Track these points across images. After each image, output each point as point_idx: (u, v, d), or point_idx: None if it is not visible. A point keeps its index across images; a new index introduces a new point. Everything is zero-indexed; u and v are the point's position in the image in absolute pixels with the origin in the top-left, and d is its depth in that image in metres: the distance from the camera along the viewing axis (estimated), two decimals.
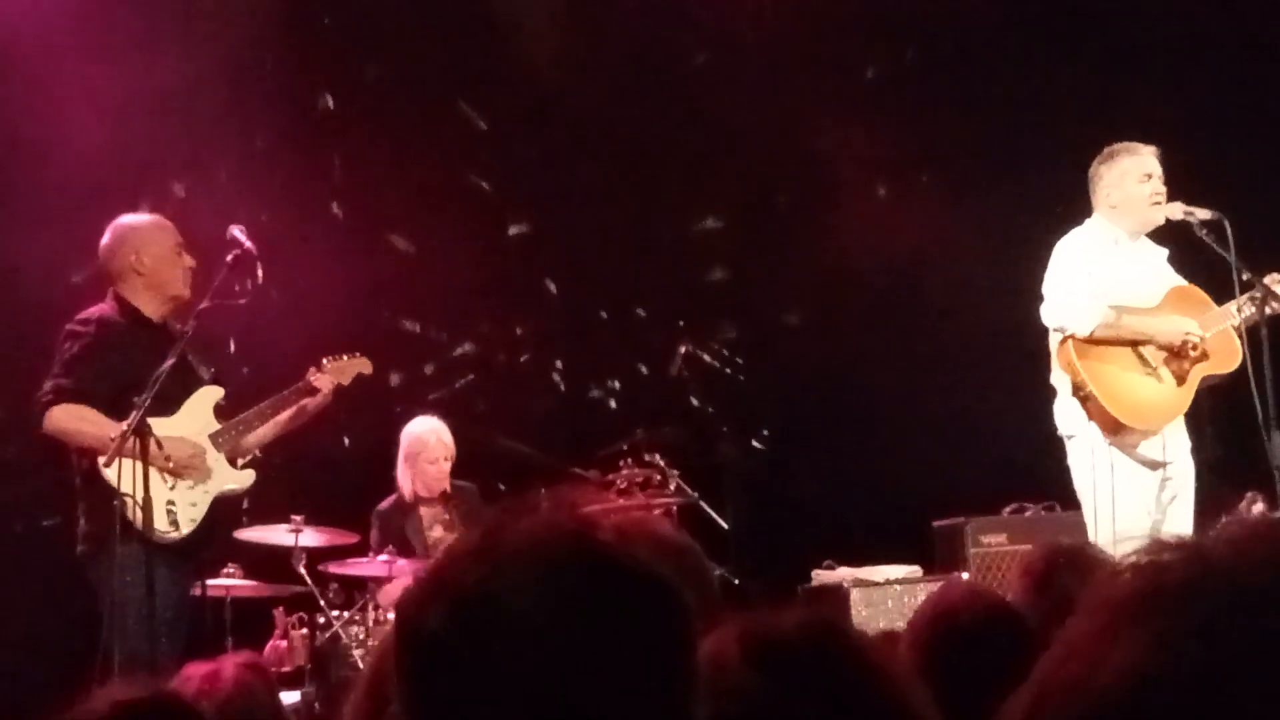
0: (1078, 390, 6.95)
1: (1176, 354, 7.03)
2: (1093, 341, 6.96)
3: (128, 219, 6.94)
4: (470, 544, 1.63)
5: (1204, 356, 7.03)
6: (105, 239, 6.82)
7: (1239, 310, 6.99)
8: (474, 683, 1.54)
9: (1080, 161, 7.34)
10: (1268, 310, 6.92)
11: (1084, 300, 6.94)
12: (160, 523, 6.28)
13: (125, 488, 6.15)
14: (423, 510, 8.44)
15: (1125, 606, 0.98)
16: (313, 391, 7.00)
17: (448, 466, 8.42)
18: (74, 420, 6.47)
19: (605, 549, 1.60)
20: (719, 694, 1.79)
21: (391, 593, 8.01)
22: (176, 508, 6.49)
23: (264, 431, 6.98)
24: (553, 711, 1.53)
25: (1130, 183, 7.11)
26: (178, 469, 6.51)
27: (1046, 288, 7.11)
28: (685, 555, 1.69)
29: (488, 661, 1.54)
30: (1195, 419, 7.12)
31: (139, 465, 6.15)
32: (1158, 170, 7.13)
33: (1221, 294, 7.12)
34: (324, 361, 7.14)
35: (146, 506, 6.16)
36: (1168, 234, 7.24)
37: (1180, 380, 7.04)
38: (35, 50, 8.67)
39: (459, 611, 1.56)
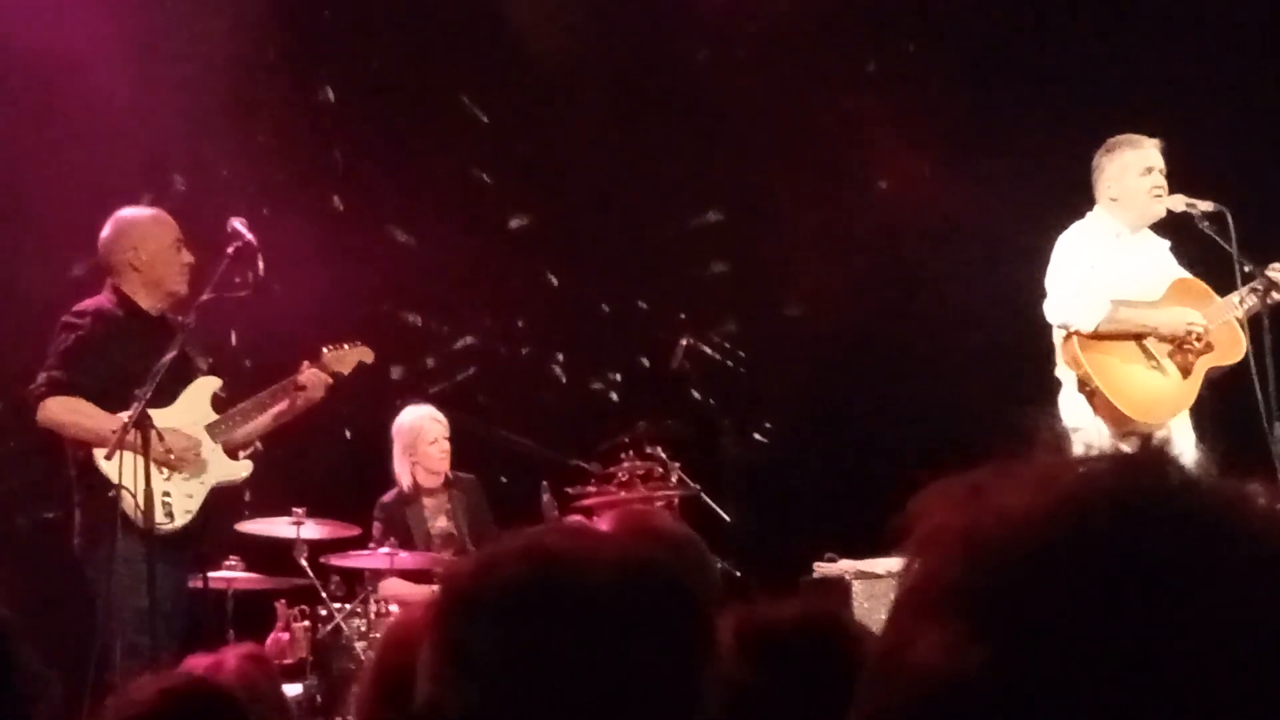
0: (1083, 385, 6.96)
1: (1180, 346, 7.03)
2: (1097, 336, 6.95)
3: (128, 212, 6.94)
4: (519, 544, 1.70)
5: (1208, 348, 7.02)
6: (105, 232, 6.82)
7: (1241, 301, 6.99)
8: (515, 661, 1.62)
9: (1084, 153, 7.33)
10: (1270, 301, 6.92)
11: (1087, 296, 6.94)
12: (155, 514, 6.28)
13: (120, 479, 6.16)
14: (425, 500, 8.43)
15: (931, 592, 0.96)
16: (303, 386, 6.99)
17: (448, 446, 8.41)
18: (68, 413, 6.47)
19: (639, 555, 1.70)
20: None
21: (391, 585, 8.02)
22: (172, 499, 6.49)
23: (261, 422, 6.98)
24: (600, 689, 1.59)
25: (1131, 176, 7.10)
26: (174, 461, 6.52)
27: (1049, 283, 7.10)
28: (688, 548, 1.70)
29: (530, 645, 1.62)
30: (1197, 412, 7.12)
31: (138, 458, 6.16)
32: (1159, 163, 7.12)
33: (1223, 285, 7.12)
34: (324, 350, 7.14)
35: (147, 498, 6.16)
36: (1169, 225, 7.23)
37: (1185, 373, 7.04)
38: (37, 45, 8.66)
39: (507, 602, 1.64)
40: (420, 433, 8.41)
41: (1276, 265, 7.03)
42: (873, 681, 0.96)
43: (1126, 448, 0.97)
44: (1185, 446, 6.99)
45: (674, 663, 1.62)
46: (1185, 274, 7.26)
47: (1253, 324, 6.94)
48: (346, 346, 7.23)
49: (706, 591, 1.71)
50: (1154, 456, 0.98)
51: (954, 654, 0.91)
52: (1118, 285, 7.05)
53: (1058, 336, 7.11)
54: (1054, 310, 7.03)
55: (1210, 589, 0.89)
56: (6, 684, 1.74)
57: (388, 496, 8.44)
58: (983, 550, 0.93)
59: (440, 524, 8.39)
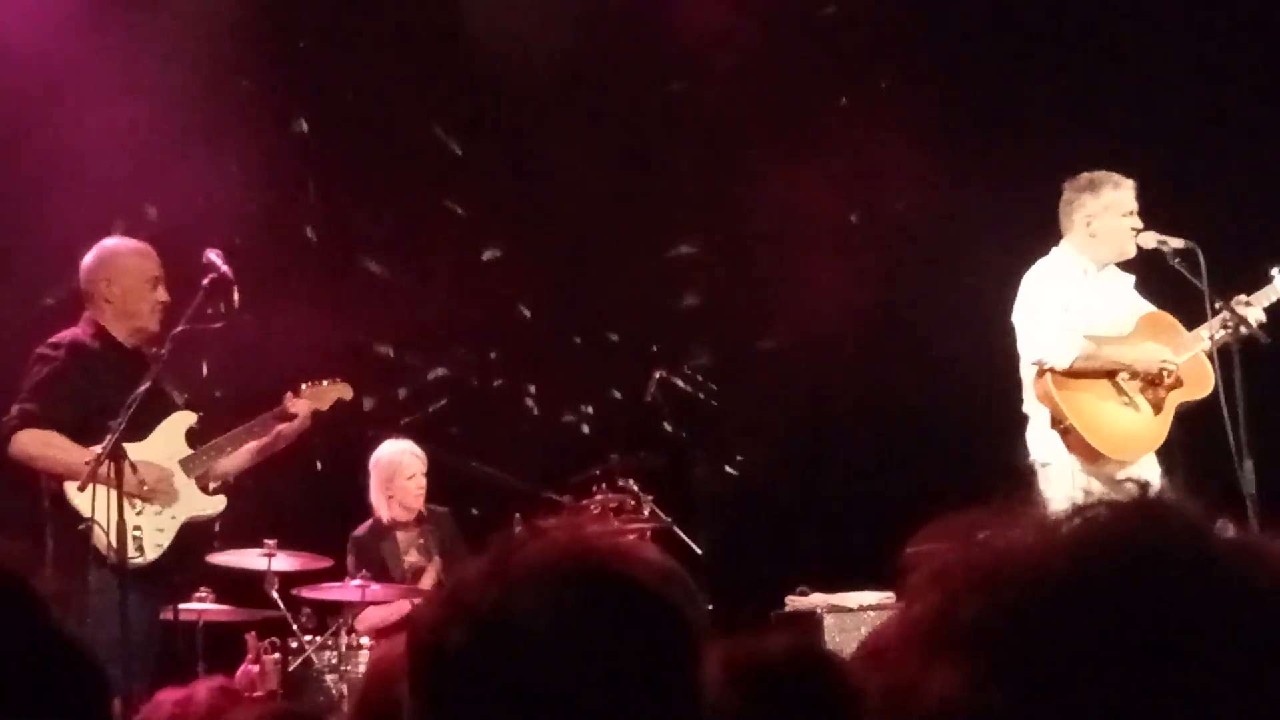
0: (1057, 423, 6.98)
1: (1152, 382, 7.07)
2: (1071, 374, 6.98)
3: (111, 243, 6.91)
4: (483, 567, 1.65)
5: (1178, 383, 7.06)
6: (86, 260, 6.79)
7: (1211, 336, 7.03)
8: (492, 700, 1.57)
9: (1054, 188, 7.37)
10: (1240, 333, 6.95)
11: (1062, 333, 6.97)
12: (127, 548, 6.24)
13: (91, 512, 6.13)
14: (398, 534, 8.42)
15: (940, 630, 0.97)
16: (289, 417, 6.96)
17: (424, 482, 8.42)
18: (39, 446, 6.44)
19: (614, 570, 1.63)
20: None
21: (369, 618, 7.99)
22: (143, 533, 6.45)
23: (239, 458, 6.94)
24: None
25: (1114, 215, 7.13)
26: (146, 492, 6.49)
27: (1018, 319, 7.13)
28: (673, 579, 1.70)
29: (505, 680, 1.57)
30: (1166, 446, 7.15)
31: (111, 491, 6.13)
32: (1135, 205, 7.17)
33: (1191, 319, 7.16)
34: (302, 387, 7.11)
35: (120, 532, 6.13)
36: (1135, 260, 7.28)
37: (1157, 409, 7.08)
38: (9, 73, 8.65)
39: (477, 632, 1.59)
40: (399, 468, 8.41)
41: (1241, 297, 7.07)
42: (884, 712, 0.97)
43: (1103, 485, 0.99)
44: (1152, 480, 7.03)
45: (661, 696, 1.61)
46: (1152, 308, 7.30)
47: (1223, 360, 6.97)
48: (325, 383, 7.21)
49: (698, 622, 1.70)
50: (1163, 502, 1.00)
51: (974, 690, 0.92)
52: (1089, 321, 7.09)
53: (1028, 373, 7.13)
54: (1029, 347, 7.05)
55: (1223, 633, 0.91)
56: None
57: (360, 530, 8.42)
58: (1000, 589, 0.95)
59: (412, 558, 8.39)
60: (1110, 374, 7.05)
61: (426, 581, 8.18)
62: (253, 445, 6.95)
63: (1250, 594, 0.93)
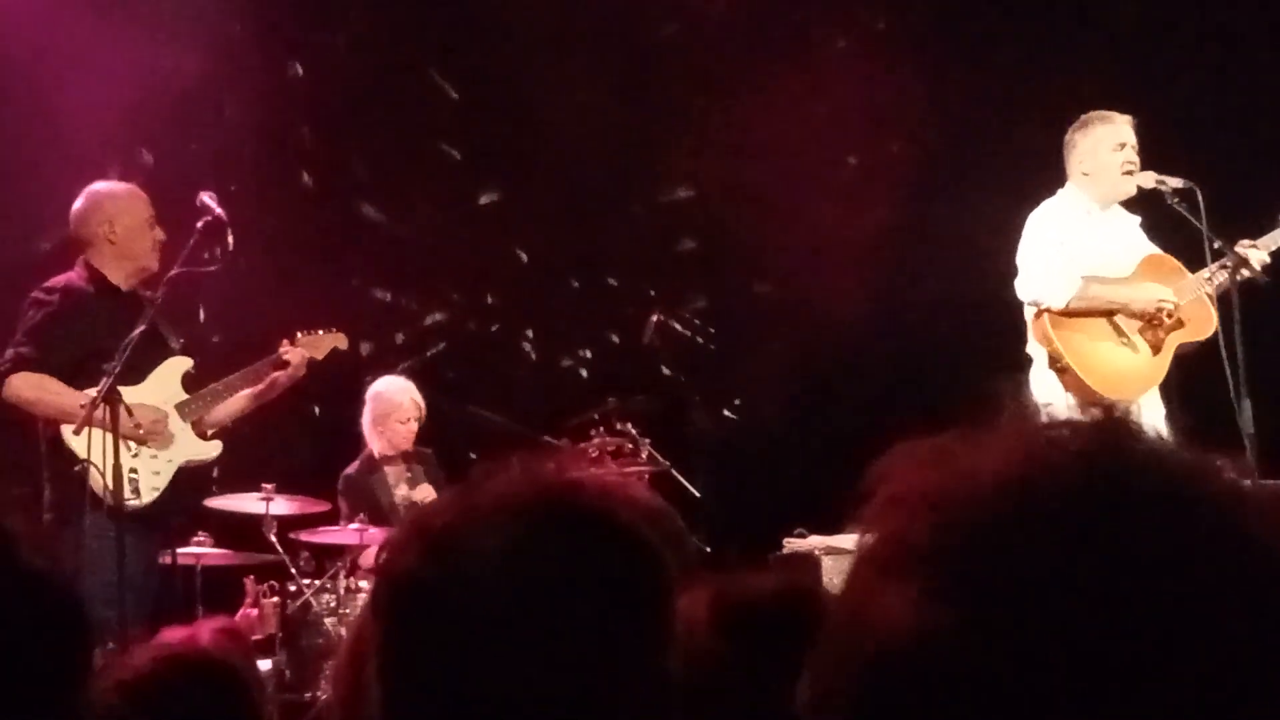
0: (1054, 362, 6.98)
1: (1151, 323, 7.06)
2: (1068, 314, 6.97)
3: (103, 186, 6.90)
4: (450, 494, 1.66)
5: (1179, 324, 7.05)
6: (78, 204, 6.77)
7: (1210, 278, 7.01)
8: (445, 619, 1.56)
9: (1053, 131, 7.34)
10: (1239, 277, 6.94)
11: (1058, 273, 6.95)
12: (123, 490, 6.25)
13: (87, 455, 6.14)
14: (388, 469, 8.43)
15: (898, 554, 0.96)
16: (283, 365, 6.96)
17: (416, 428, 8.41)
18: (35, 389, 6.43)
19: (582, 502, 1.62)
20: (687, 657, 1.79)
21: (370, 556, 8.01)
22: (139, 475, 6.46)
23: (234, 404, 6.95)
24: (519, 654, 1.54)
25: (1103, 151, 7.11)
26: (142, 435, 6.49)
27: (1020, 260, 7.11)
28: (662, 519, 1.69)
29: (458, 599, 1.55)
30: (1165, 387, 7.14)
31: (106, 434, 6.14)
32: (1132, 139, 7.13)
33: (1194, 261, 7.14)
34: (298, 335, 7.11)
35: (116, 474, 6.14)
36: (1140, 201, 7.25)
37: (1156, 349, 7.07)
38: (2, 19, 8.60)
39: (432, 548, 1.58)
40: (396, 408, 8.39)
41: (1245, 241, 7.05)
42: (833, 638, 0.97)
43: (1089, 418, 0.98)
44: (1154, 422, 7.01)
45: (604, 640, 1.59)
46: (1156, 250, 7.28)
47: (1222, 302, 6.96)
48: (321, 332, 7.22)
49: (673, 564, 1.67)
50: (1121, 425, 0.99)
51: (921, 612, 0.91)
52: (1089, 262, 7.06)
53: (1029, 314, 7.12)
54: (1025, 287, 7.04)
55: (1175, 554, 0.90)
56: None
57: (351, 468, 8.43)
58: (951, 512, 0.94)
59: (402, 491, 8.39)
60: (1109, 314, 7.04)
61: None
62: (248, 392, 6.96)
63: (1202, 526, 0.92)
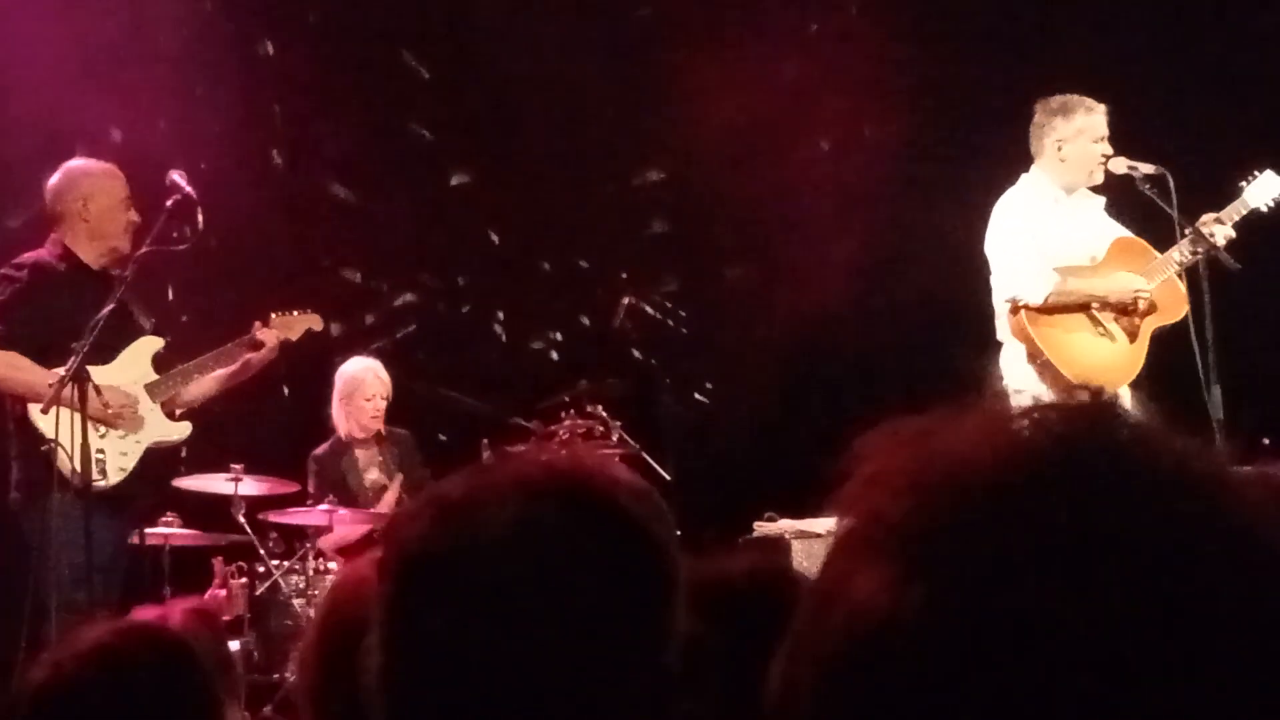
0: (1033, 358, 6.99)
1: (1125, 311, 7.08)
2: (1044, 310, 6.98)
3: (81, 163, 6.86)
4: (464, 473, 1.68)
5: (1152, 308, 7.07)
6: (54, 180, 6.73)
7: (1180, 257, 7.03)
8: (454, 589, 1.58)
9: (1025, 109, 7.35)
10: (1206, 251, 6.94)
11: (1034, 269, 6.96)
12: (89, 471, 6.22)
13: (55, 435, 6.10)
14: (358, 452, 8.40)
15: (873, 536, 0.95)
16: (257, 346, 6.93)
17: (383, 405, 8.37)
18: (3, 367, 6.40)
19: (594, 487, 1.64)
20: None
21: (331, 537, 7.99)
22: (105, 456, 6.43)
23: (206, 384, 6.92)
24: (525, 628, 1.55)
25: (1085, 140, 7.10)
26: (110, 417, 6.46)
27: (991, 252, 7.12)
28: (644, 499, 1.69)
29: (468, 570, 1.57)
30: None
31: (75, 414, 6.11)
32: (1107, 131, 7.15)
33: (1162, 240, 7.16)
34: (272, 316, 7.09)
35: (84, 455, 6.11)
36: (1106, 183, 7.27)
37: (1132, 337, 7.09)
38: None
39: (445, 520, 1.60)
40: (360, 385, 8.36)
41: (1208, 216, 7.06)
42: (806, 618, 0.96)
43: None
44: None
45: (607, 620, 1.60)
46: (1124, 232, 7.29)
47: (1192, 285, 6.98)
48: (295, 313, 7.20)
49: (673, 549, 1.70)
50: (1104, 408, 0.98)
51: (891, 592, 0.90)
52: (1059, 250, 7.07)
53: (999, 303, 7.12)
54: (1001, 284, 7.04)
55: (1158, 538, 0.90)
56: None
57: (321, 448, 8.40)
58: (927, 492, 0.93)
59: (373, 475, 8.38)
60: (1084, 306, 7.06)
61: (389, 498, 8.17)
62: (220, 373, 6.92)
63: (1187, 510, 0.91)
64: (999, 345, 7.16)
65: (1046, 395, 1.01)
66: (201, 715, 2.49)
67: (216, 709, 2.51)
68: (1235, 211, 7.09)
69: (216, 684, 2.57)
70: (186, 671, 2.48)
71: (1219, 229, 7.00)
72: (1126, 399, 7.02)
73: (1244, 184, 7.19)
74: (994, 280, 7.08)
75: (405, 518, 1.69)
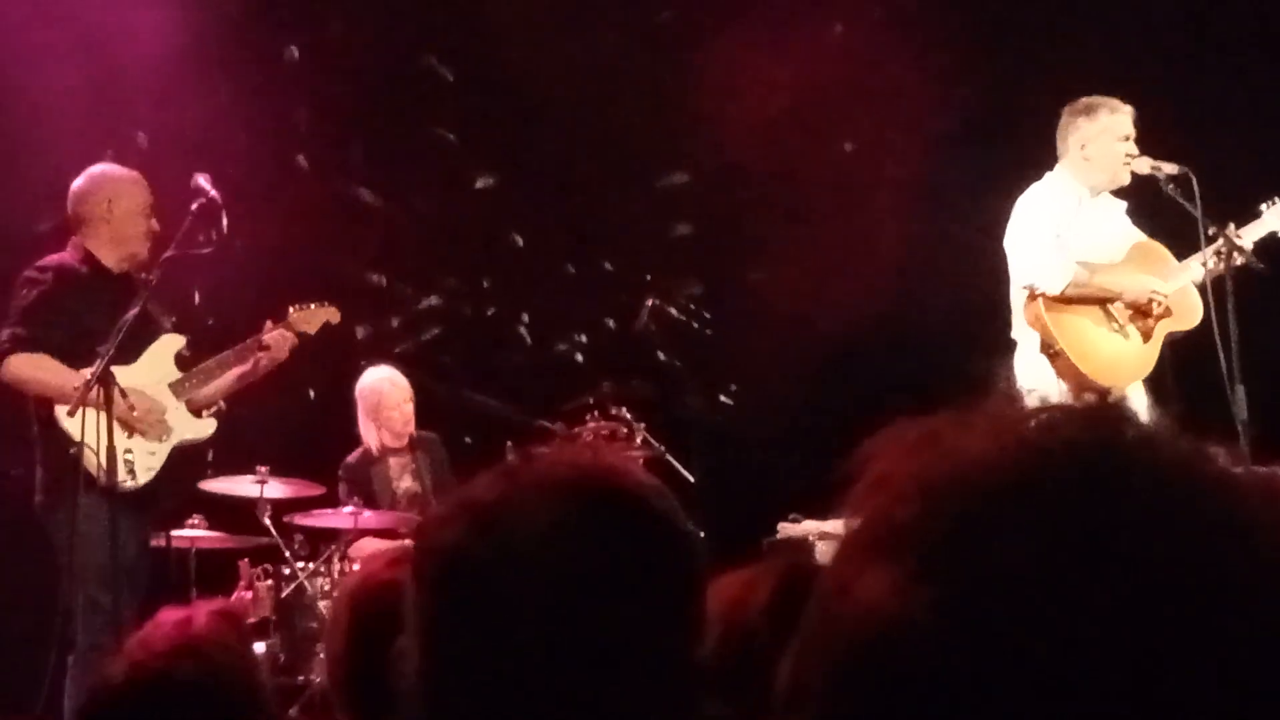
0: (1047, 348, 6.98)
1: (1141, 311, 7.07)
2: (1061, 300, 6.98)
3: (106, 167, 6.90)
4: (494, 474, 1.69)
5: (1167, 313, 7.07)
6: (79, 182, 6.76)
7: (1205, 264, 7.01)
8: (490, 592, 1.59)
9: (1049, 112, 7.34)
10: (1232, 263, 6.94)
11: (1055, 259, 6.95)
12: (118, 472, 6.24)
13: (81, 436, 6.13)
14: (391, 460, 8.42)
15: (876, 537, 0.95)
16: (265, 347, 6.94)
17: (410, 409, 8.39)
18: (31, 369, 6.42)
19: (624, 488, 1.66)
20: (735, 636, 1.83)
21: (364, 548, 7.99)
22: (134, 457, 6.45)
23: (225, 381, 6.92)
24: (561, 630, 1.57)
25: (1110, 139, 7.10)
26: (136, 422, 6.47)
27: (1011, 243, 7.12)
28: (667, 496, 1.71)
29: (504, 573, 1.59)
30: (1159, 372, 7.15)
31: (101, 415, 6.13)
32: (1133, 131, 7.14)
33: (1184, 247, 7.15)
34: (290, 310, 7.10)
35: (109, 456, 6.13)
36: (1130, 186, 7.25)
37: (1146, 337, 7.09)
38: None
39: (478, 523, 1.62)
40: (382, 397, 8.38)
41: (1231, 226, 7.06)
42: (815, 618, 0.96)
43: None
44: (1140, 409, 7.01)
45: (640, 620, 1.61)
46: (1143, 237, 7.30)
47: (1216, 287, 6.96)
48: (313, 306, 7.20)
49: (701, 550, 1.71)
50: (1113, 410, 0.98)
51: (899, 593, 0.91)
52: (1080, 249, 7.07)
53: (1017, 298, 7.12)
54: (1021, 272, 7.04)
55: (1167, 544, 0.90)
56: None
57: (352, 457, 8.42)
58: (935, 494, 0.93)
59: (406, 483, 8.39)
60: (1101, 301, 7.05)
61: (418, 509, 8.18)
62: (234, 372, 6.94)
63: (1197, 515, 0.91)
64: (1014, 344, 7.15)
65: (1056, 394, 1.01)
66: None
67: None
68: (1254, 231, 7.10)
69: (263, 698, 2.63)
70: (249, 687, 2.54)
71: (1240, 242, 7.00)
72: (1140, 396, 7.02)
73: (1264, 206, 7.19)
74: (1012, 269, 7.08)
75: (436, 523, 1.70)
